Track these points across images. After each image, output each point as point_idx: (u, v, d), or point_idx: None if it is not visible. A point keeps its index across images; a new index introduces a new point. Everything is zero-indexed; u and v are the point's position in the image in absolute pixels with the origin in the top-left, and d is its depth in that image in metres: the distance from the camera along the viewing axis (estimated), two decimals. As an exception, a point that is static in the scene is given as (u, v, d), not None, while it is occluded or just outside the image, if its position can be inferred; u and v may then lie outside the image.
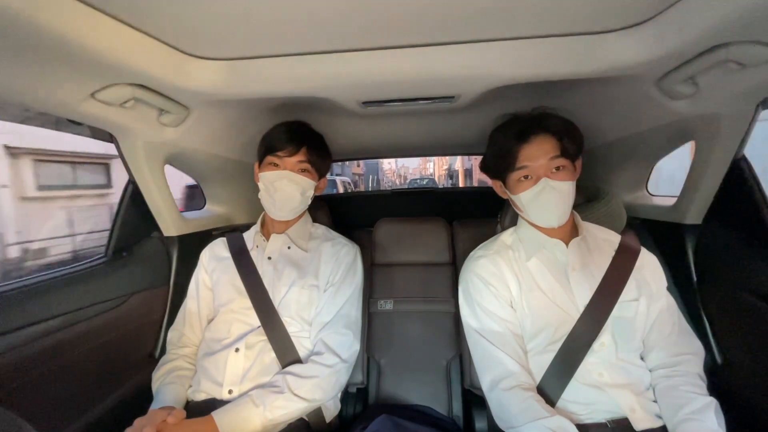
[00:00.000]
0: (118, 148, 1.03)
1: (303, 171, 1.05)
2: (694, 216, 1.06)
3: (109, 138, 1.01)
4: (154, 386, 0.97)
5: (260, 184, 1.06)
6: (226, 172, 1.44)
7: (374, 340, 1.29)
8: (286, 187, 1.02)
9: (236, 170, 1.44)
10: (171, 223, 1.22)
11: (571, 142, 0.89)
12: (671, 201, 1.14)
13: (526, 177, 0.89)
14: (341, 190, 8.99)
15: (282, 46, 0.77)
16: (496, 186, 1.01)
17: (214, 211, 1.53)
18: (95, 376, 0.99)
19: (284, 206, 1.04)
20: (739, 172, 0.93)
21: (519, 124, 0.91)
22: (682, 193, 1.08)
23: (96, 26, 0.61)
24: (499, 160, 0.94)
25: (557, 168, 0.87)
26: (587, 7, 0.65)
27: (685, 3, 0.62)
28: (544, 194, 0.87)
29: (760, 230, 0.91)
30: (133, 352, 1.13)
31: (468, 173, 21.94)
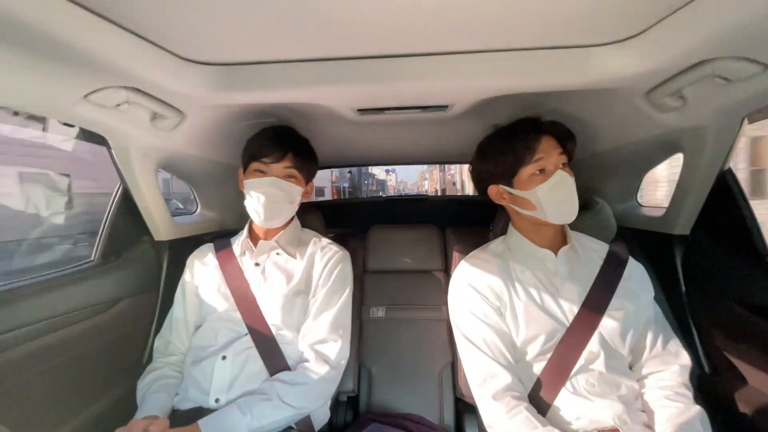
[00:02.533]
0: (109, 151, 1.02)
1: (289, 177, 1.03)
2: (683, 227, 1.08)
3: (101, 141, 1.00)
4: (139, 395, 0.95)
5: (245, 191, 1.03)
6: (219, 177, 1.43)
7: (366, 347, 1.28)
8: (272, 195, 1.00)
9: (229, 175, 1.43)
10: (162, 228, 1.20)
11: (572, 144, 0.92)
12: (660, 211, 1.16)
13: (541, 171, 0.88)
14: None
15: (278, 53, 0.78)
16: (493, 191, 0.99)
17: (205, 215, 1.52)
18: (81, 382, 0.97)
19: (271, 214, 1.02)
20: (726, 184, 0.95)
21: (527, 124, 0.93)
22: (670, 204, 1.10)
23: (91, 29, 0.61)
24: (508, 157, 0.91)
25: (563, 164, 0.90)
26: (577, 21, 0.67)
27: (671, 20, 0.64)
28: (563, 185, 0.87)
29: (746, 241, 0.93)
30: (120, 359, 1.10)
31: (443, 192, 27.82)
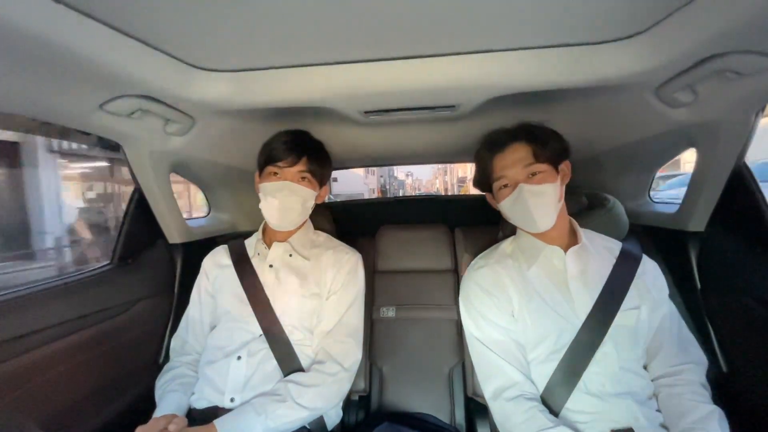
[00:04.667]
0: (125, 156, 1.05)
1: (303, 180, 1.05)
2: (697, 223, 1.06)
3: (116, 147, 1.03)
4: (157, 393, 0.98)
5: (260, 195, 1.05)
6: (230, 180, 1.45)
7: (377, 347, 1.29)
8: (286, 198, 1.01)
9: (240, 178, 1.46)
10: (176, 231, 1.23)
11: (544, 146, 0.91)
12: (674, 208, 1.14)
13: (505, 186, 0.93)
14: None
15: (286, 58, 0.79)
16: (489, 198, 1.05)
17: (218, 218, 1.55)
18: (99, 382, 1.00)
19: (285, 217, 1.03)
20: (741, 179, 0.93)
21: (493, 137, 0.98)
22: (684, 200, 1.07)
23: (105, 41, 0.63)
24: (482, 173, 1.00)
25: (533, 174, 0.90)
26: (584, 18, 0.66)
27: (679, 14, 0.63)
28: (522, 199, 0.89)
29: (763, 236, 0.91)
30: (137, 359, 1.13)
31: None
